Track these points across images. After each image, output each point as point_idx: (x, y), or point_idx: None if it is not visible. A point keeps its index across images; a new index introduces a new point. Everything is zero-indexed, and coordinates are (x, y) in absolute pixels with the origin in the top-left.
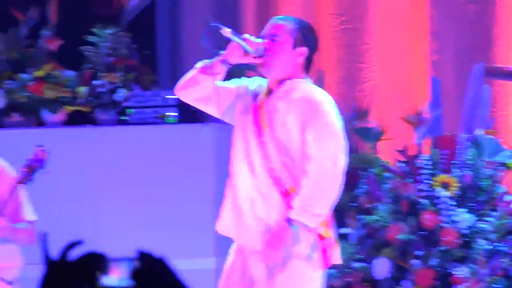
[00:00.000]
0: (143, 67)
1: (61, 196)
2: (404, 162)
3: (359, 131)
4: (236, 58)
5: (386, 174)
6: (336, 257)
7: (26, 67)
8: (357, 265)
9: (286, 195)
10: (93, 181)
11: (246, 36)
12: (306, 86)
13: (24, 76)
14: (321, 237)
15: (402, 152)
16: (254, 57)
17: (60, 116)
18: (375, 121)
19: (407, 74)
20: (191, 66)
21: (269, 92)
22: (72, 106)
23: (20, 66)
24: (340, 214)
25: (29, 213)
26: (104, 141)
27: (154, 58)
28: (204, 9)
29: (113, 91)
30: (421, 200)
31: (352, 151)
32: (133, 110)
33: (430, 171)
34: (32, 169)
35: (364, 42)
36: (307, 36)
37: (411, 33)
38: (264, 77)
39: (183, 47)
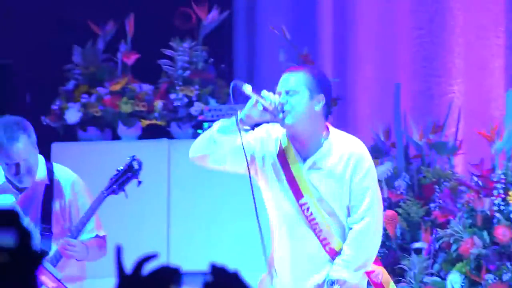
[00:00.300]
0: (219, 81)
1: (135, 209)
2: (479, 176)
3: (435, 145)
4: (254, 116)
5: (461, 188)
6: None
7: (102, 80)
8: (429, 279)
9: (334, 254)
10: (169, 194)
11: (264, 92)
12: (340, 140)
13: (101, 89)
14: (368, 272)
15: (477, 166)
16: (274, 115)
17: (135, 129)
18: (451, 135)
19: (484, 88)
20: (267, 80)
21: (298, 153)
22: (148, 119)
23: (96, 79)
24: (414, 228)
25: (100, 228)
26: (179, 154)
27: (230, 71)
28: (281, 23)
29: (189, 104)
30: (496, 215)
31: (427, 165)
32: (209, 124)
33: (505, 186)
34: (124, 180)
35: (442, 56)
36: (321, 82)
37: (488, 47)
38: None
39: (260, 61)
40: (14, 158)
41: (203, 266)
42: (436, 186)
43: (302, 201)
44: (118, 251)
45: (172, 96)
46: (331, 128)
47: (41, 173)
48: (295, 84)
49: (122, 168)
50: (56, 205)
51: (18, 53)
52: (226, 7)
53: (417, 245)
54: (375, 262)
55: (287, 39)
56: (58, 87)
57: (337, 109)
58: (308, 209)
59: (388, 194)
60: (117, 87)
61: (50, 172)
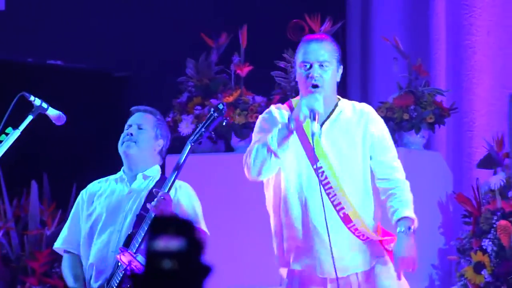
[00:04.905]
0: None
1: (249, 219)
2: None
3: None
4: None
5: None
6: None
7: (215, 92)
8: None
9: (348, 222)
10: None
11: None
12: (350, 102)
13: (214, 101)
14: (381, 242)
15: None
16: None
17: (248, 141)
18: None
19: None
20: (380, 90)
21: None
22: None
23: (210, 91)
24: None
25: (204, 225)
26: None
27: (343, 82)
28: (394, 33)
29: None
30: None
31: None
32: None
33: None
34: (211, 121)
35: None
36: (341, 53)
37: None
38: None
39: (373, 72)
40: (135, 121)
41: None
42: None
43: (317, 165)
44: None
45: None
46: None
47: (153, 172)
48: (328, 55)
49: (210, 113)
50: None
51: (133, 66)
52: (339, 18)
53: None
54: (387, 233)
55: (400, 49)
56: (172, 99)
57: (451, 119)
58: (322, 173)
59: (501, 204)
60: (230, 99)
61: (162, 174)
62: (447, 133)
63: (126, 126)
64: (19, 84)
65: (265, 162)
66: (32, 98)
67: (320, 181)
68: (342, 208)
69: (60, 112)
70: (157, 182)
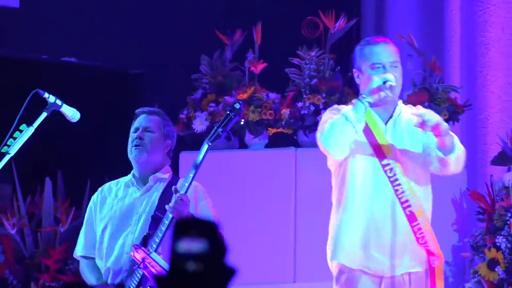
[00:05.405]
0: (346, 89)
1: (263, 216)
2: None
3: None
4: (378, 98)
5: None
6: (439, 283)
7: (230, 89)
8: None
9: (413, 220)
10: (295, 202)
11: (388, 78)
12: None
13: (228, 98)
14: (429, 252)
15: None
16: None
17: (262, 138)
18: None
19: None
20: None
21: (380, 118)
22: (275, 128)
23: (224, 88)
24: None
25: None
26: (306, 163)
27: None
28: (409, 30)
29: (316, 113)
30: None
31: None
32: None
33: None
34: (228, 121)
35: None
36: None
37: None
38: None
39: None
40: (142, 123)
41: (330, 274)
42: None
43: (385, 162)
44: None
45: (299, 104)
46: None
47: (164, 173)
48: (396, 56)
49: (228, 110)
50: None
51: (148, 63)
52: (354, 15)
53: None
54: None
55: (414, 46)
56: (186, 96)
57: (466, 115)
58: (391, 169)
59: None
60: (244, 96)
61: (173, 175)
62: (461, 130)
63: (132, 129)
64: (33, 81)
65: (343, 131)
66: (46, 95)
67: (389, 178)
68: (409, 206)
69: (75, 109)
70: (168, 182)
